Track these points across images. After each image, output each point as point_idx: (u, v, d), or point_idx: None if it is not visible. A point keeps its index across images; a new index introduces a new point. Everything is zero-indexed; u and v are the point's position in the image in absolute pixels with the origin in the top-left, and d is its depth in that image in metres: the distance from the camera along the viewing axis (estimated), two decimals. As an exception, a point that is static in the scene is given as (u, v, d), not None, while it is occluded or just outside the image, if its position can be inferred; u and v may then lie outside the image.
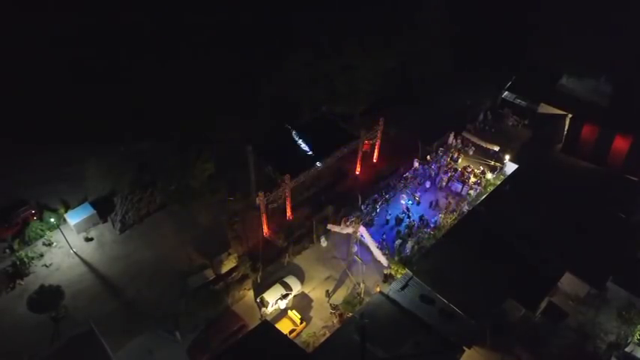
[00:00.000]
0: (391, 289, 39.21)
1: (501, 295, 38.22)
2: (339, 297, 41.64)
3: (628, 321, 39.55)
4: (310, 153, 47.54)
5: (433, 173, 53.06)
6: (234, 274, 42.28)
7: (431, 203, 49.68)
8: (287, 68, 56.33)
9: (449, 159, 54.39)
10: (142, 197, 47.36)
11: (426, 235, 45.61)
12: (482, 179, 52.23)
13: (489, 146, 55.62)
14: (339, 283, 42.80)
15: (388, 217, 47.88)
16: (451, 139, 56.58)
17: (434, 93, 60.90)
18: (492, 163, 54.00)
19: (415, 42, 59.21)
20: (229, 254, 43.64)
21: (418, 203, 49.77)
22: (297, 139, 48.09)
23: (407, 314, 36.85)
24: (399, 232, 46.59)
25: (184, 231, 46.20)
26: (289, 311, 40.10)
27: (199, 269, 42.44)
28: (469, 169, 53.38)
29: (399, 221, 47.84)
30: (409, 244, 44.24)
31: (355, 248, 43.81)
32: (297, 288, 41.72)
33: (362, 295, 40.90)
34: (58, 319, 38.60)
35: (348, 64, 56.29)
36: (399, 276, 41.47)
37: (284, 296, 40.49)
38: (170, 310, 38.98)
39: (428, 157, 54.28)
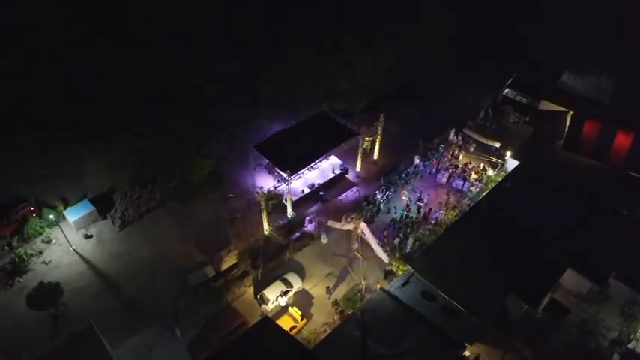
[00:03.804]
0: (392, 286, 39.01)
1: (503, 291, 38.01)
2: (339, 293, 41.47)
3: (630, 317, 39.35)
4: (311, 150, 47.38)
5: (434, 170, 52.89)
6: (235, 270, 42.05)
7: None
8: (287, 65, 56.23)
9: (450, 156, 54.13)
10: (142, 194, 47.11)
11: (427, 232, 45.38)
12: (484, 176, 52.04)
13: (490, 143, 55.43)
14: (339, 280, 42.62)
15: (394, 216, 47.60)
16: (452, 135, 56.36)
17: (434, 90, 60.70)
18: (493, 159, 53.78)
19: (416, 39, 59.11)
20: (229, 251, 43.42)
21: (420, 200, 49.49)
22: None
23: (408, 311, 36.67)
24: (399, 228, 46.36)
25: (184, 228, 45.98)
26: (290, 308, 39.90)
27: (199, 266, 42.19)
28: (470, 166, 53.20)
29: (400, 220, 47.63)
30: (410, 241, 44.04)
31: (356, 245, 43.60)
32: (297, 285, 41.53)
33: (363, 292, 40.69)
34: (57, 316, 38.53)
35: (349, 61, 56.23)
36: (400, 272, 41.28)
37: (284, 293, 40.29)
38: (170, 307, 38.82)
39: (429, 153, 54.09)
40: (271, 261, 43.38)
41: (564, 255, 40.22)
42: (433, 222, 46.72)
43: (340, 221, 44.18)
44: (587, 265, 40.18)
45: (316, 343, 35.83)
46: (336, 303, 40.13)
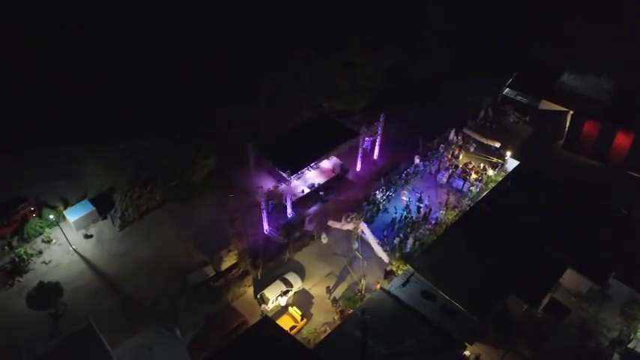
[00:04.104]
0: (392, 286, 38.97)
1: (503, 291, 37.98)
2: (339, 293, 41.43)
3: (630, 317, 39.31)
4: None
5: (434, 170, 52.89)
6: (235, 270, 42.01)
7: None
8: (288, 65, 56.14)
9: (450, 155, 54.10)
10: (142, 194, 47.07)
11: (427, 232, 45.36)
12: (484, 176, 52.03)
13: (490, 143, 55.47)
14: (339, 280, 42.59)
15: (395, 215, 47.53)
16: (452, 135, 56.36)
17: (435, 90, 60.71)
18: (494, 159, 53.78)
19: (416, 39, 59.07)
20: (229, 251, 43.39)
21: (420, 201, 49.46)
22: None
23: (408, 310, 36.62)
24: (399, 228, 46.32)
25: (184, 228, 45.97)
26: (290, 308, 39.88)
27: (199, 266, 42.17)
28: (470, 166, 53.20)
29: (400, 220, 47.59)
30: (410, 240, 44.01)
31: (356, 245, 43.60)
32: (297, 284, 41.49)
33: (363, 292, 40.66)
34: (57, 316, 38.48)
35: (349, 61, 56.13)
36: (400, 272, 41.25)
37: (284, 293, 40.26)
38: (170, 307, 38.67)
39: (429, 153, 54.07)
40: (271, 261, 43.35)
41: (564, 255, 40.18)
42: (433, 222, 46.69)
43: (340, 221, 44.25)
44: (587, 264, 40.13)
45: (316, 343, 35.79)
46: (335, 301, 40.15)
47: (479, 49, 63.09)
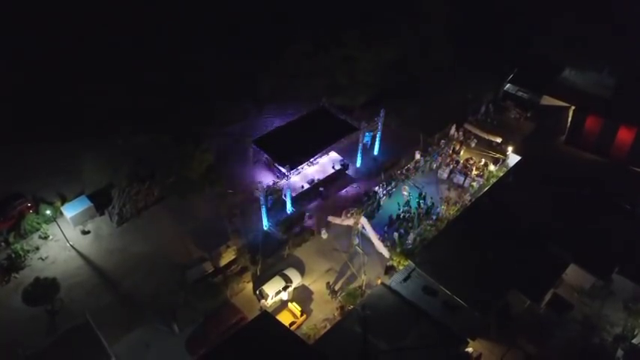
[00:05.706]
0: (393, 281, 38.52)
1: (505, 286, 37.54)
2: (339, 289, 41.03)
3: (634, 313, 38.97)
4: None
5: (435, 165, 52.44)
6: (234, 266, 41.58)
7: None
8: (287, 60, 55.81)
9: (451, 151, 53.66)
10: (140, 190, 46.58)
11: (428, 227, 44.93)
12: (485, 171, 51.58)
13: (491, 138, 55.03)
14: (339, 276, 42.15)
15: (399, 212, 46.96)
16: (453, 131, 55.92)
17: (435, 85, 60.22)
18: (495, 155, 53.37)
19: (416, 33, 58.73)
20: (228, 247, 42.97)
21: (423, 198, 48.92)
22: None
23: (409, 306, 36.18)
24: (401, 224, 45.85)
25: (183, 223, 45.49)
26: (289, 303, 39.45)
27: (198, 262, 41.72)
28: (471, 161, 52.75)
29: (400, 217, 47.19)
30: (411, 236, 43.57)
31: (356, 240, 43.18)
32: (297, 280, 41.06)
33: (363, 287, 40.23)
34: (53, 312, 38.03)
35: (348, 56, 55.83)
36: (401, 267, 40.80)
37: (284, 288, 39.83)
38: (168, 303, 38.34)
39: (430, 149, 53.63)
40: (270, 257, 42.91)
41: (567, 250, 39.75)
42: (434, 217, 46.24)
43: (340, 216, 43.82)
44: (591, 260, 39.72)
45: (316, 339, 35.35)
46: (334, 291, 39.93)
47: (480, 45, 62.65)
